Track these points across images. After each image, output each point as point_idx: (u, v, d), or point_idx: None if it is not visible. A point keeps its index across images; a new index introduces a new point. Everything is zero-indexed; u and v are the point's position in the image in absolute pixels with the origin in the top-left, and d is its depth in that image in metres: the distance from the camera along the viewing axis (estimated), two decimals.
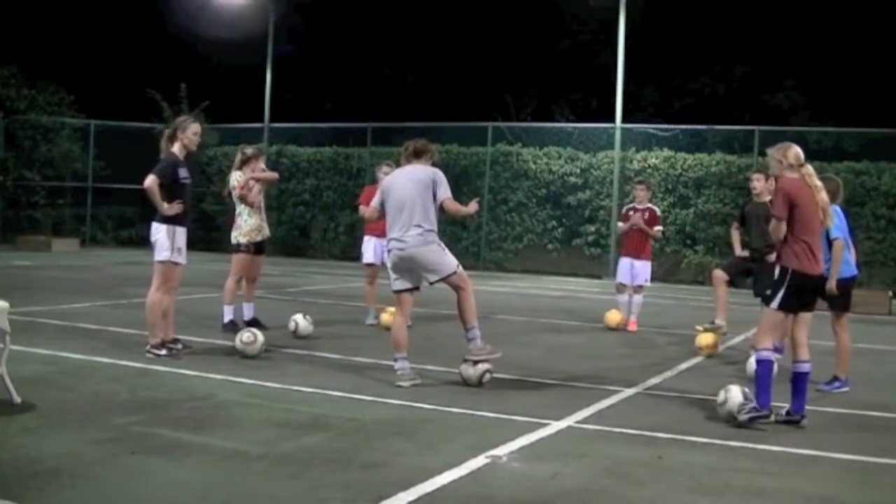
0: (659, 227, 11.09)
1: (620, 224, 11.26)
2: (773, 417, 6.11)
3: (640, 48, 22.54)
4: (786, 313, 6.28)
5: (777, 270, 6.32)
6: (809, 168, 6.34)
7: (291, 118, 23.46)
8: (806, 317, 6.40)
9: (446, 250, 7.27)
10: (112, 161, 22.15)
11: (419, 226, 7.09)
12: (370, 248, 10.30)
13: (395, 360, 7.16)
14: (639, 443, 5.59)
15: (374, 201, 7.55)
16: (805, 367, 6.26)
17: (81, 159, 22.98)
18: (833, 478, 5.06)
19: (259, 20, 23.94)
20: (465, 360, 7.13)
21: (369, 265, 10.38)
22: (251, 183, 9.39)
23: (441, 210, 7.30)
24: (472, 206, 7.66)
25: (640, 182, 11.44)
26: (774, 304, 6.20)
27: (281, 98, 23.90)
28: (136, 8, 27.82)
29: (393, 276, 7.29)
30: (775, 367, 7.04)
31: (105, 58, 27.67)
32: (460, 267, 7.29)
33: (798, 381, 6.21)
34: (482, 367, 7.08)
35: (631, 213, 10.97)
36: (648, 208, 10.95)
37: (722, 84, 27.86)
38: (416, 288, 7.32)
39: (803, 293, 6.22)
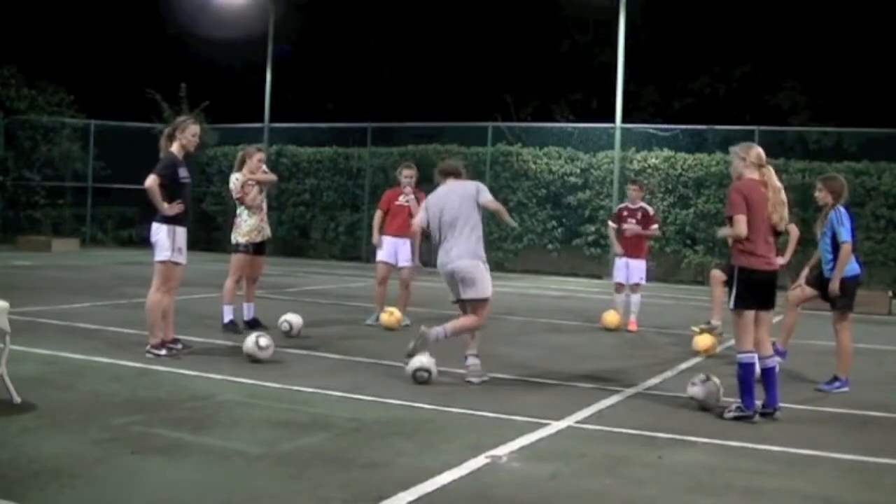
0: (655, 226, 11.10)
1: (612, 224, 11.30)
2: (756, 418, 6.21)
3: (640, 48, 22.54)
4: (744, 311, 6.34)
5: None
6: (770, 169, 6.47)
7: (291, 118, 23.44)
8: (765, 316, 6.49)
9: (488, 272, 7.38)
10: (112, 161, 22.12)
11: (465, 238, 7.25)
12: (384, 246, 10.30)
13: (466, 357, 7.33)
14: (639, 443, 5.59)
15: (422, 219, 7.54)
16: (771, 363, 6.42)
17: (81, 159, 22.95)
18: (833, 478, 5.06)
19: (259, 20, 23.93)
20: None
21: (382, 263, 10.36)
22: (248, 185, 9.36)
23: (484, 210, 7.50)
24: (511, 222, 8.44)
25: (633, 182, 11.54)
26: (731, 303, 6.39)
27: (281, 98, 23.89)
28: (136, 8, 27.83)
29: (450, 288, 7.47)
30: (776, 368, 7.07)
31: (105, 58, 27.67)
32: (490, 299, 7.42)
33: (767, 376, 6.38)
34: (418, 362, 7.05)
35: (625, 213, 11.02)
36: (641, 208, 10.98)
37: (722, 84, 27.86)
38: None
39: (756, 290, 6.34)
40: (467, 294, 7.25)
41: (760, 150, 6.50)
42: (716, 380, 6.62)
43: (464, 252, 7.24)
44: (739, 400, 6.26)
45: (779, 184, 6.44)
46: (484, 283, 7.28)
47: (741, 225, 6.22)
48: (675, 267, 19.05)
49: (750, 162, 6.40)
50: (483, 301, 7.32)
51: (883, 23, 23.78)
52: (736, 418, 6.20)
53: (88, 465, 4.64)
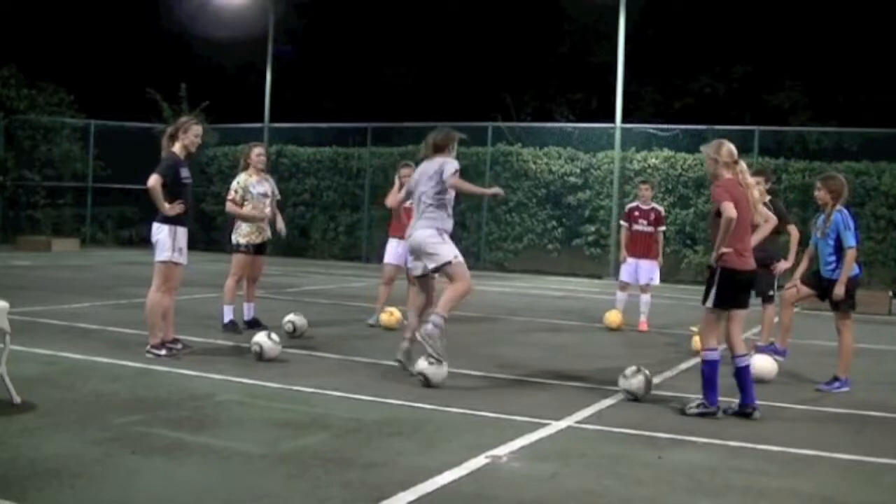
0: (662, 227, 11.17)
1: (623, 223, 11.24)
2: (720, 414, 6.27)
3: (640, 48, 22.54)
4: (720, 310, 6.36)
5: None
6: (743, 165, 6.51)
7: (291, 118, 23.45)
8: (739, 314, 6.52)
9: (447, 240, 7.42)
10: (112, 161, 22.14)
11: (424, 214, 7.44)
12: (391, 249, 10.33)
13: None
14: (639, 443, 5.60)
15: (402, 195, 8.29)
16: (744, 362, 6.42)
17: (81, 159, 22.97)
18: (833, 478, 5.06)
19: (259, 20, 23.94)
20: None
21: (389, 265, 10.38)
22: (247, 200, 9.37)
23: (457, 196, 7.62)
24: (494, 189, 8.25)
25: (643, 182, 11.50)
26: (709, 302, 6.36)
27: (281, 98, 23.90)
28: (136, 8, 27.84)
29: (411, 260, 7.92)
30: (775, 367, 7.10)
31: (105, 58, 27.68)
32: (459, 258, 7.37)
33: (741, 376, 6.38)
34: (423, 363, 6.99)
35: (636, 213, 11.02)
36: (653, 209, 11.02)
37: (722, 84, 27.87)
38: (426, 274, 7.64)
39: (735, 289, 6.35)
40: (432, 265, 7.36)
41: (732, 147, 6.48)
42: (646, 371, 6.77)
43: (422, 225, 7.41)
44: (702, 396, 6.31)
45: (751, 181, 6.48)
46: (442, 249, 7.30)
47: (731, 209, 6.16)
48: (675, 267, 19.01)
49: (723, 161, 6.39)
50: (448, 264, 7.28)
51: (882, 23, 23.78)
52: (699, 415, 6.25)
53: (88, 465, 4.64)
